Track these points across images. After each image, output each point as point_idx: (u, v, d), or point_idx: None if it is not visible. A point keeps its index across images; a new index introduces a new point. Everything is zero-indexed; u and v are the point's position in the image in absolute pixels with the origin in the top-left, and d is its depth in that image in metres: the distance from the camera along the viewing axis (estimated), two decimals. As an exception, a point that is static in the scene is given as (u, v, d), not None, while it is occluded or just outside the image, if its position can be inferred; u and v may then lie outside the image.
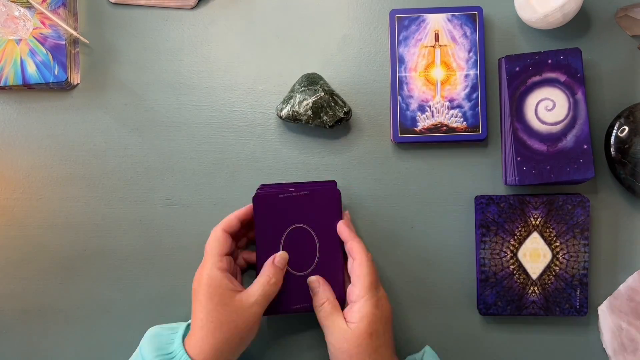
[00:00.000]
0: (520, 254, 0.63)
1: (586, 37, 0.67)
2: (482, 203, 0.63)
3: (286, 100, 0.64)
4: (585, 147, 0.62)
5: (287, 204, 0.59)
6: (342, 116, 0.64)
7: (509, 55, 0.64)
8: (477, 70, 0.65)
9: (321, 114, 0.63)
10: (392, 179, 0.66)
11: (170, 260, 0.66)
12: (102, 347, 0.66)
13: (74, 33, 0.65)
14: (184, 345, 0.55)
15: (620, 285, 0.64)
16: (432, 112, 0.65)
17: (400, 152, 0.67)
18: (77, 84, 0.67)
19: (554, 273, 0.63)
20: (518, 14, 0.65)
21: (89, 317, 0.66)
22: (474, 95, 0.64)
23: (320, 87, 0.64)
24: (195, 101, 0.67)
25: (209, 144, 0.67)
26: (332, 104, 0.63)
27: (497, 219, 0.63)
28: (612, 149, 0.63)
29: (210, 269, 0.56)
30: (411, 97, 0.65)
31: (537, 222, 0.63)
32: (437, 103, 0.65)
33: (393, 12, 0.65)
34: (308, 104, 0.63)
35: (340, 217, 0.60)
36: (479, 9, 0.65)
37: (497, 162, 0.66)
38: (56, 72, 0.65)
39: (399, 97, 0.65)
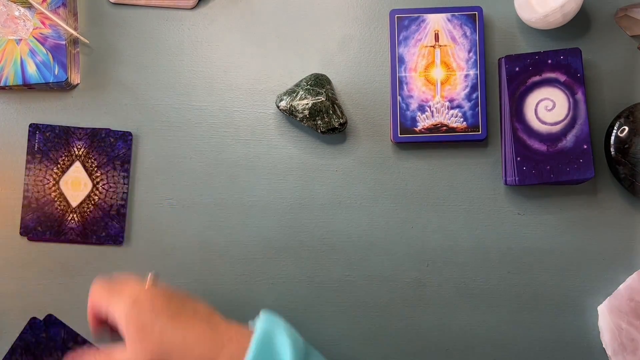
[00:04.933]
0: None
1: (586, 37, 0.67)
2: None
3: (289, 93, 0.64)
4: (585, 147, 0.62)
5: None
6: (336, 126, 0.64)
7: (509, 55, 0.64)
8: (477, 70, 0.65)
9: (317, 118, 0.63)
10: (392, 179, 0.66)
11: (170, 260, 0.66)
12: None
13: (74, 33, 0.65)
14: None
15: (620, 285, 0.64)
16: (432, 112, 0.65)
17: (400, 152, 0.67)
18: (77, 84, 0.67)
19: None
20: (518, 14, 0.65)
21: (89, 317, 0.66)
22: (474, 95, 0.64)
23: (324, 92, 0.63)
24: (195, 101, 0.67)
25: (209, 144, 0.67)
26: (330, 112, 0.63)
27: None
28: (612, 149, 0.63)
29: None
30: (411, 97, 0.65)
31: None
32: (437, 103, 0.64)
33: (393, 12, 0.65)
34: (307, 104, 0.63)
35: None
36: (478, 9, 0.65)
37: (497, 162, 0.66)
38: (56, 72, 0.65)
39: (399, 97, 0.65)
